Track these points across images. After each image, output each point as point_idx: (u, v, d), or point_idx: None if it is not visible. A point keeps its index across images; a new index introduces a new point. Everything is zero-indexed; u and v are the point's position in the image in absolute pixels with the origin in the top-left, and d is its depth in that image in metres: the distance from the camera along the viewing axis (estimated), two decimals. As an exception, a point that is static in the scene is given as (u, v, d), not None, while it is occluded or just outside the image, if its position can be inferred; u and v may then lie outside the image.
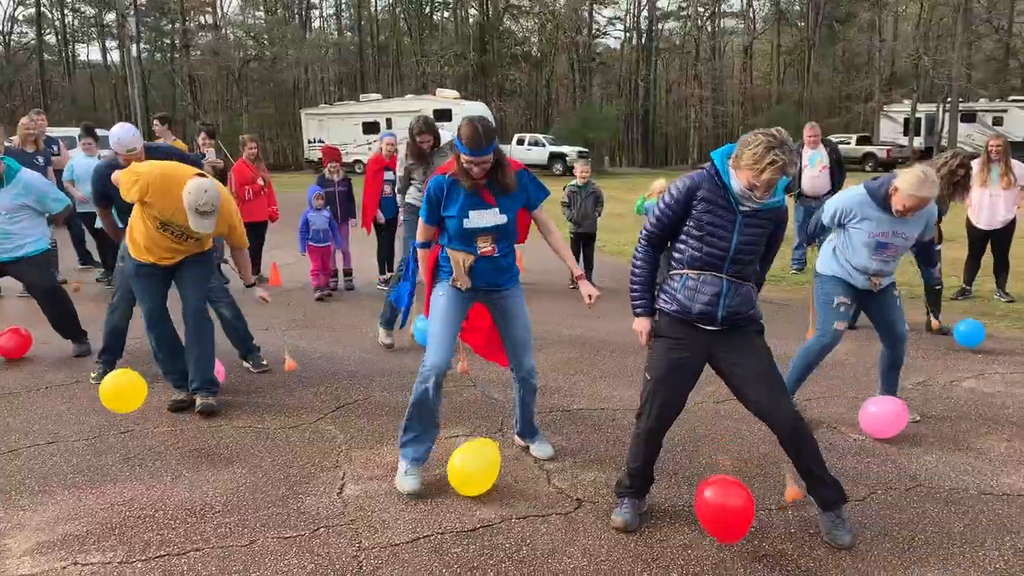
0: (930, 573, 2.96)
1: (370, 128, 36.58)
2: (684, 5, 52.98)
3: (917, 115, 40.81)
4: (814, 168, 8.77)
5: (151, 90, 43.52)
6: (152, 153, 5.10)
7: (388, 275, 8.60)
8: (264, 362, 5.57)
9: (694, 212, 3.07)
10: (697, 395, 3.73)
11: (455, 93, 36.20)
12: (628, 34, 53.08)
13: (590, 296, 3.67)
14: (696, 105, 44.87)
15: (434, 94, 36.70)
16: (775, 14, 52.21)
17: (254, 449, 4.14)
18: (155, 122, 9.83)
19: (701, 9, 48.71)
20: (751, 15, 51.60)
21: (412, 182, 6.04)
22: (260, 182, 8.28)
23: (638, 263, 3.25)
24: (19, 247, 5.77)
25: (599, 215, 8.65)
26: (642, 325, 3.26)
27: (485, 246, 3.58)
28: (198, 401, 4.66)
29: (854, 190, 4.27)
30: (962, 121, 38.43)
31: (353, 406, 4.83)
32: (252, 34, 45.00)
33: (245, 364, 5.60)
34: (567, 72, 48.65)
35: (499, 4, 45.08)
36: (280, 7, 51.01)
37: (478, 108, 35.44)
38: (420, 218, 3.67)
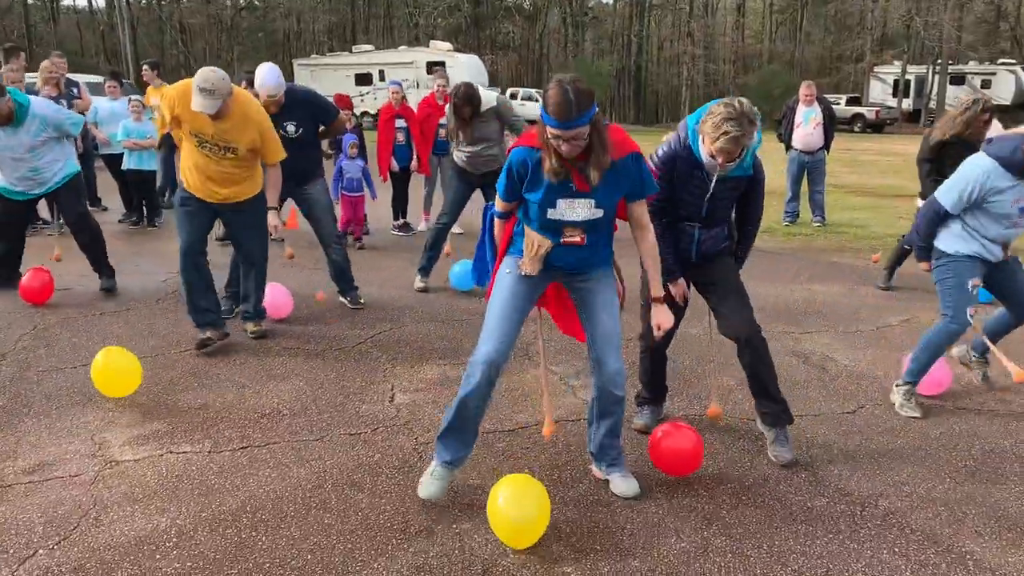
0: (908, 468, 3.46)
1: (362, 79, 36.52)
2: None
3: (907, 77, 41.17)
4: (808, 125, 9.17)
5: (140, 37, 43.14)
6: (291, 95, 5.30)
7: (402, 220, 8.98)
8: (362, 300, 5.87)
9: (673, 179, 3.31)
10: (695, 328, 4.11)
11: (448, 45, 36.14)
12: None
13: (659, 327, 3.18)
14: (688, 63, 44.94)
15: (427, 46, 36.60)
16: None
17: (307, 366, 4.58)
18: (144, 68, 10.08)
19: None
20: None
21: (456, 143, 6.25)
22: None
23: (661, 239, 3.27)
24: (52, 178, 5.83)
25: None
26: (679, 288, 3.52)
27: (573, 236, 2.93)
28: (251, 327, 5.03)
29: (978, 165, 3.79)
30: (951, 84, 38.82)
31: (389, 333, 5.26)
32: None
33: (342, 299, 5.90)
34: (559, 26, 48.48)
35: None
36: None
37: (472, 60, 35.44)
38: (496, 190, 3.03)
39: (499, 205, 3.07)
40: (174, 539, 2.79)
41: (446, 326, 5.44)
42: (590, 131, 2.70)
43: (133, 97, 9.13)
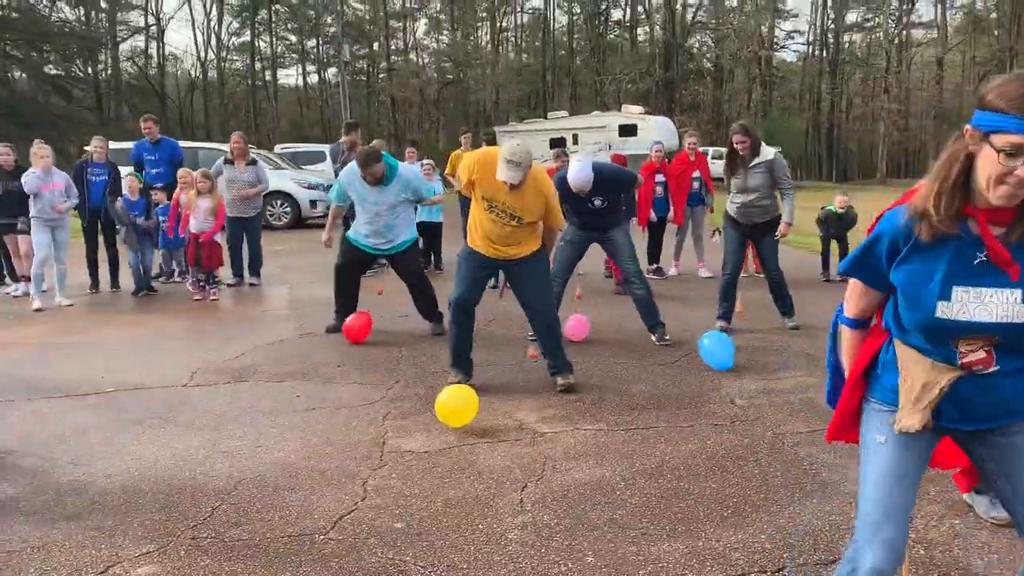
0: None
1: (556, 143, 38.18)
2: (869, 16, 51.83)
3: None
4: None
5: (353, 110, 47.73)
6: (598, 177, 5.96)
7: (656, 265, 9.86)
8: (668, 337, 6.27)
9: None
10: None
11: (640, 108, 37.38)
12: (810, 47, 52.50)
13: None
14: (885, 118, 43.84)
15: (619, 110, 38.00)
16: (970, 22, 49.98)
17: (653, 373, 5.45)
18: (410, 151, 11.49)
19: (891, 21, 47.51)
20: (944, 24, 49.63)
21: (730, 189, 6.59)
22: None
23: None
24: (396, 239, 6.56)
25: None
26: None
27: (974, 353, 1.83)
28: (559, 382, 5.08)
29: None
30: None
31: (694, 357, 6.07)
32: (449, 59, 48.20)
33: (652, 336, 6.35)
34: (747, 85, 48.79)
35: (685, 21, 45.99)
36: (465, 30, 54.37)
37: (663, 122, 36.44)
38: (841, 270, 2.05)
39: (851, 304, 2.06)
40: (620, 484, 3.68)
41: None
42: None
43: (425, 161, 10.65)
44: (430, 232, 10.46)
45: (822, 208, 9.85)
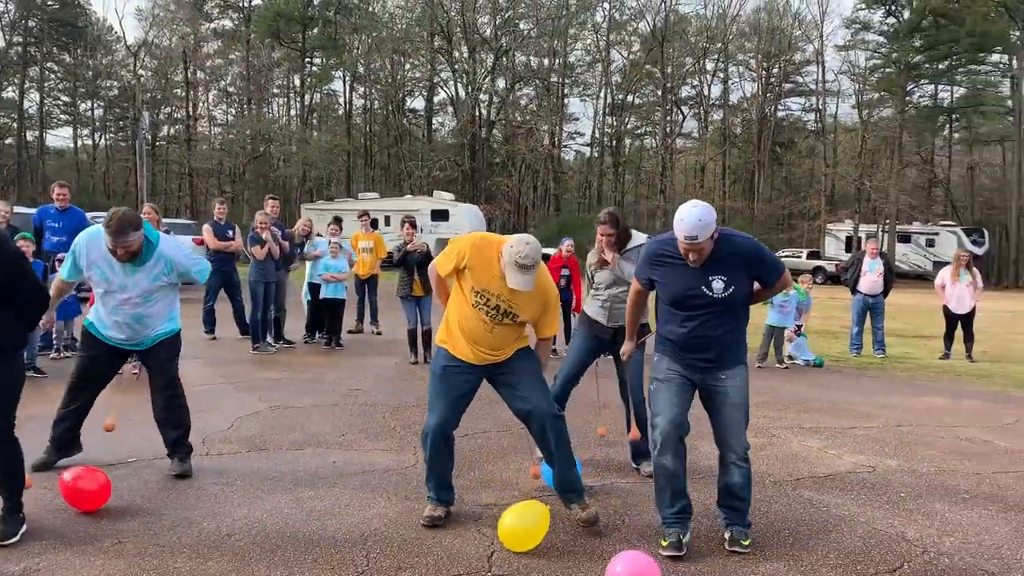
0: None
1: (375, 223, 38.69)
2: (640, 126, 58.08)
3: (859, 234, 45.48)
4: (872, 273, 11.51)
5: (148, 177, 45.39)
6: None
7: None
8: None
9: None
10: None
11: (451, 195, 39.00)
12: (590, 148, 57.69)
13: None
14: (660, 216, 48.99)
15: (431, 195, 39.41)
16: (723, 137, 57.42)
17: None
18: (332, 225, 11.90)
19: (658, 131, 53.75)
20: (703, 138, 56.66)
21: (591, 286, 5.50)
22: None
23: None
24: (151, 333, 4.96)
25: None
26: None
27: None
28: (581, 513, 4.28)
29: None
30: (899, 241, 43.12)
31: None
32: (259, 133, 47.50)
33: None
34: (543, 181, 52.56)
35: (491, 118, 48.99)
36: (259, 105, 54.00)
37: (472, 209, 38.27)
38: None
39: None
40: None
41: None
42: None
43: (332, 240, 11.00)
44: (332, 309, 10.77)
45: None
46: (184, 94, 51.01)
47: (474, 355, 4.23)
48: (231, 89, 56.60)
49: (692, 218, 3.78)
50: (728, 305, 3.96)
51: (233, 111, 58.64)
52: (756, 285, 4.12)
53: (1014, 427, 7.34)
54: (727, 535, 4.12)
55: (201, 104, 55.43)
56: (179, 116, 53.25)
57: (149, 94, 47.73)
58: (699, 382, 4.10)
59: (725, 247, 3.93)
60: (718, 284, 3.92)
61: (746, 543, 4.06)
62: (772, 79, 52.33)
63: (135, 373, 5.71)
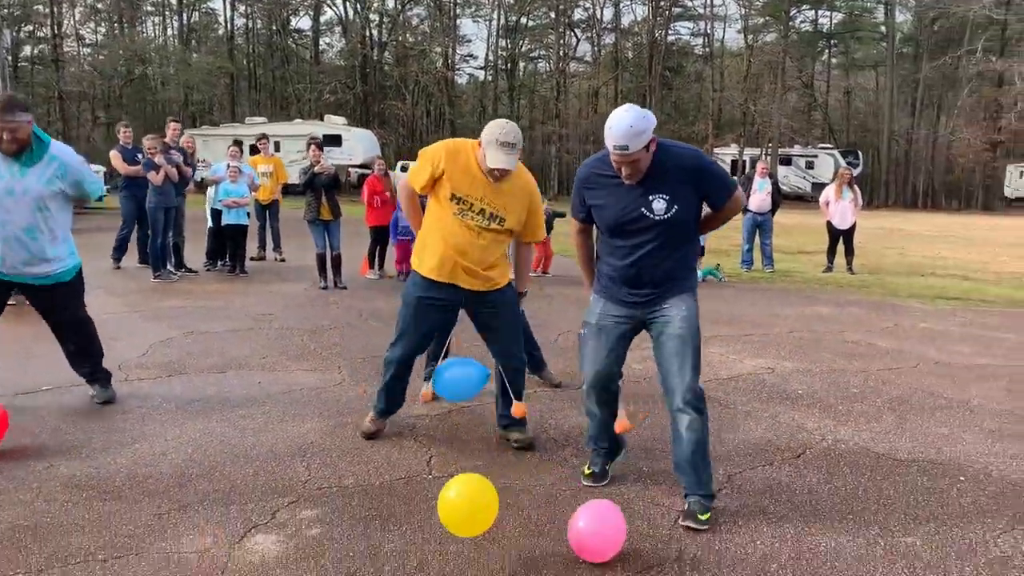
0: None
1: (254, 149, 37.31)
2: (533, 48, 57.65)
3: (743, 157, 47.17)
4: (761, 192, 12.08)
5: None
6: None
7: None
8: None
9: None
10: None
11: (344, 119, 38.00)
12: (484, 71, 56.92)
13: None
14: (556, 141, 49.18)
15: (321, 119, 38.26)
16: (616, 62, 57.76)
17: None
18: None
19: (552, 54, 53.46)
20: (596, 62, 56.77)
21: None
22: (388, 193, 10.39)
23: None
24: (51, 258, 4.50)
25: None
26: None
27: None
28: (514, 436, 4.30)
29: None
30: (780, 164, 44.97)
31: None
32: (135, 53, 44.47)
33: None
34: (436, 104, 51.70)
35: (383, 41, 47.51)
36: (131, 24, 50.54)
37: (366, 134, 37.45)
38: None
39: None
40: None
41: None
42: None
43: (232, 163, 10.63)
44: (235, 235, 10.49)
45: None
46: (47, 10, 47.16)
47: (458, 272, 4.00)
48: (99, 6, 52.87)
49: (623, 124, 3.16)
50: (672, 227, 3.35)
51: (103, 30, 54.98)
52: (705, 209, 3.53)
53: (893, 330, 8.03)
54: (684, 506, 3.42)
55: (67, 22, 51.57)
56: (43, 35, 49.38)
57: (7, 10, 43.83)
58: (642, 316, 3.51)
59: (665, 160, 3.31)
60: (659, 204, 3.32)
61: (704, 518, 3.31)
62: (662, 3, 52.69)
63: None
